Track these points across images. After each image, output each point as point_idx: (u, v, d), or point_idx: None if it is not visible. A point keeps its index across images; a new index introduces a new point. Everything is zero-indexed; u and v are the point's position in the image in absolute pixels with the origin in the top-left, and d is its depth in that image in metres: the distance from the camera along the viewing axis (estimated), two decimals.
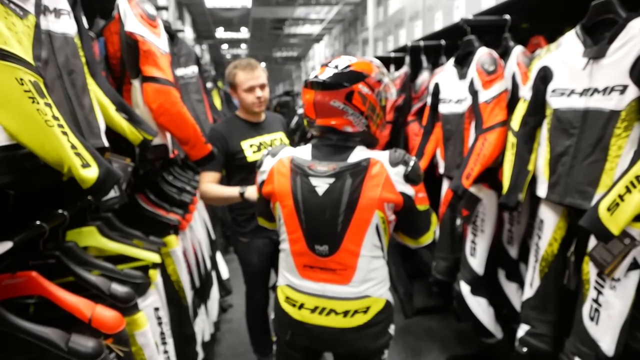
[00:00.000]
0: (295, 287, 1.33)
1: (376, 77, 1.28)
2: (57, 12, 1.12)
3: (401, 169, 1.25)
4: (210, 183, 2.01)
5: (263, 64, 2.32)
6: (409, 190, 1.26)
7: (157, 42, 1.66)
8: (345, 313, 1.28)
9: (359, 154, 1.28)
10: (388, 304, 1.35)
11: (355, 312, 1.29)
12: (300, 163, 1.30)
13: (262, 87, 2.00)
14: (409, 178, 1.25)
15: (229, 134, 2.02)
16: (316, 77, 1.27)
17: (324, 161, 1.28)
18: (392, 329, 1.38)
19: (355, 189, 1.24)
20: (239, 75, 1.98)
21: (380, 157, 1.27)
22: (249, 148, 2.02)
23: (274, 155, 1.37)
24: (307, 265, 1.31)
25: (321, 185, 1.26)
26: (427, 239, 1.40)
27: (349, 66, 1.27)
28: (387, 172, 1.24)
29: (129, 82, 1.70)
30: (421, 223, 1.36)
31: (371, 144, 1.35)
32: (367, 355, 1.34)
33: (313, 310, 1.30)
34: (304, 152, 1.33)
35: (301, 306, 1.32)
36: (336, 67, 1.27)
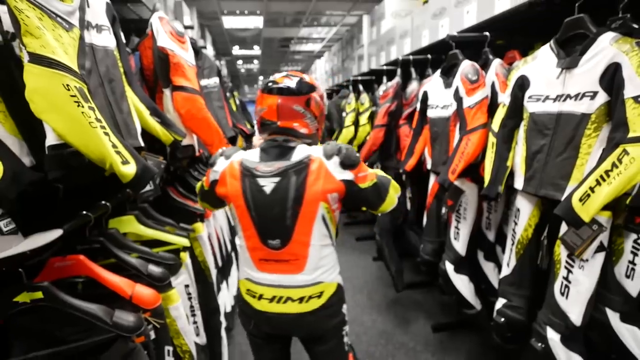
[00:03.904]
0: (254, 280, 1.24)
1: (319, 90, 1.27)
2: (99, 28, 1.08)
3: (336, 159, 1.17)
4: None
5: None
6: (348, 175, 1.17)
7: (185, 55, 1.62)
8: (301, 299, 1.20)
9: (300, 152, 1.20)
10: (339, 287, 1.27)
11: (310, 297, 1.21)
12: (248, 166, 1.21)
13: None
14: (345, 165, 1.17)
15: None
16: (277, 84, 1.21)
17: (269, 162, 1.20)
18: (344, 309, 1.29)
19: (299, 185, 1.16)
20: None
21: (317, 152, 1.19)
22: None
23: (227, 157, 1.25)
24: (262, 259, 1.22)
25: (268, 185, 1.18)
26: (387, 207, 1.27)
27: (302, 79, 1.24)
28: (325, 166, 1.17)
29: (161, 91, 1.67)
30: (371, 198, 1.23)
31: (314, 143, 1.29)
32: (325, 333, 1.27)
33: (271, 300, 1.22)
34: (253, 155, 1.23)
35: (260, 297, 1.23)
36: (291, 78, 1.23)
